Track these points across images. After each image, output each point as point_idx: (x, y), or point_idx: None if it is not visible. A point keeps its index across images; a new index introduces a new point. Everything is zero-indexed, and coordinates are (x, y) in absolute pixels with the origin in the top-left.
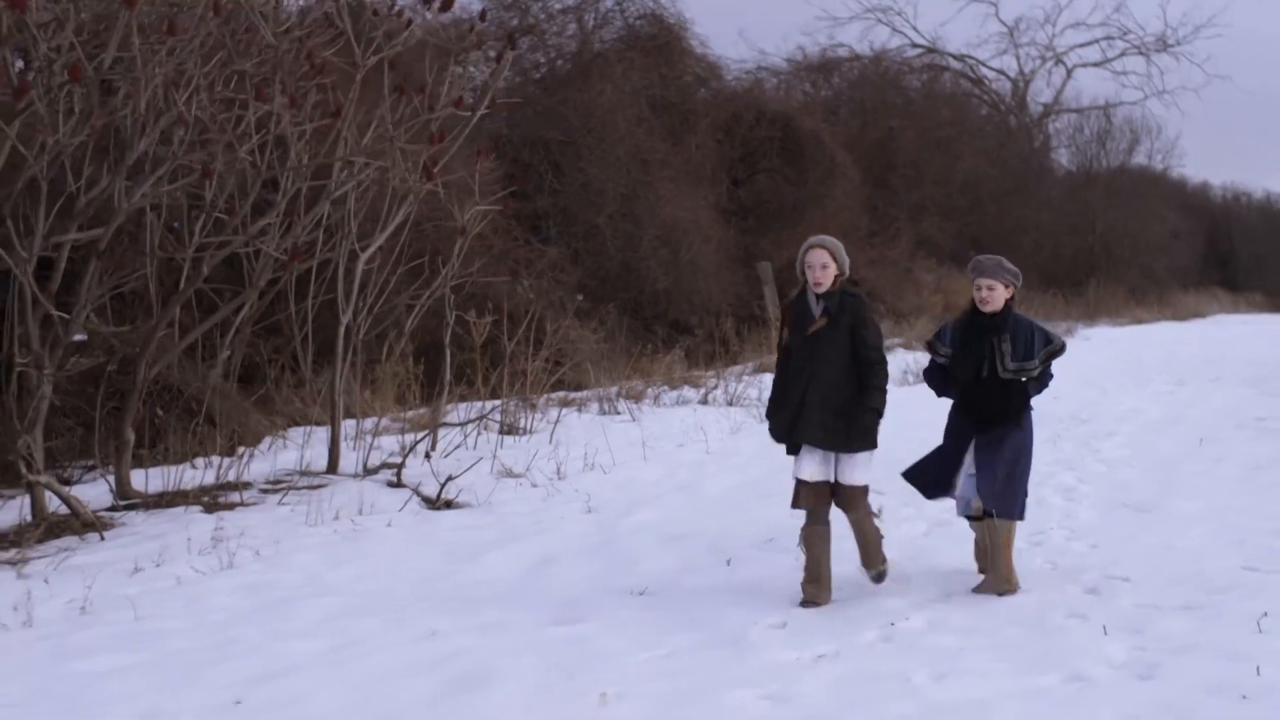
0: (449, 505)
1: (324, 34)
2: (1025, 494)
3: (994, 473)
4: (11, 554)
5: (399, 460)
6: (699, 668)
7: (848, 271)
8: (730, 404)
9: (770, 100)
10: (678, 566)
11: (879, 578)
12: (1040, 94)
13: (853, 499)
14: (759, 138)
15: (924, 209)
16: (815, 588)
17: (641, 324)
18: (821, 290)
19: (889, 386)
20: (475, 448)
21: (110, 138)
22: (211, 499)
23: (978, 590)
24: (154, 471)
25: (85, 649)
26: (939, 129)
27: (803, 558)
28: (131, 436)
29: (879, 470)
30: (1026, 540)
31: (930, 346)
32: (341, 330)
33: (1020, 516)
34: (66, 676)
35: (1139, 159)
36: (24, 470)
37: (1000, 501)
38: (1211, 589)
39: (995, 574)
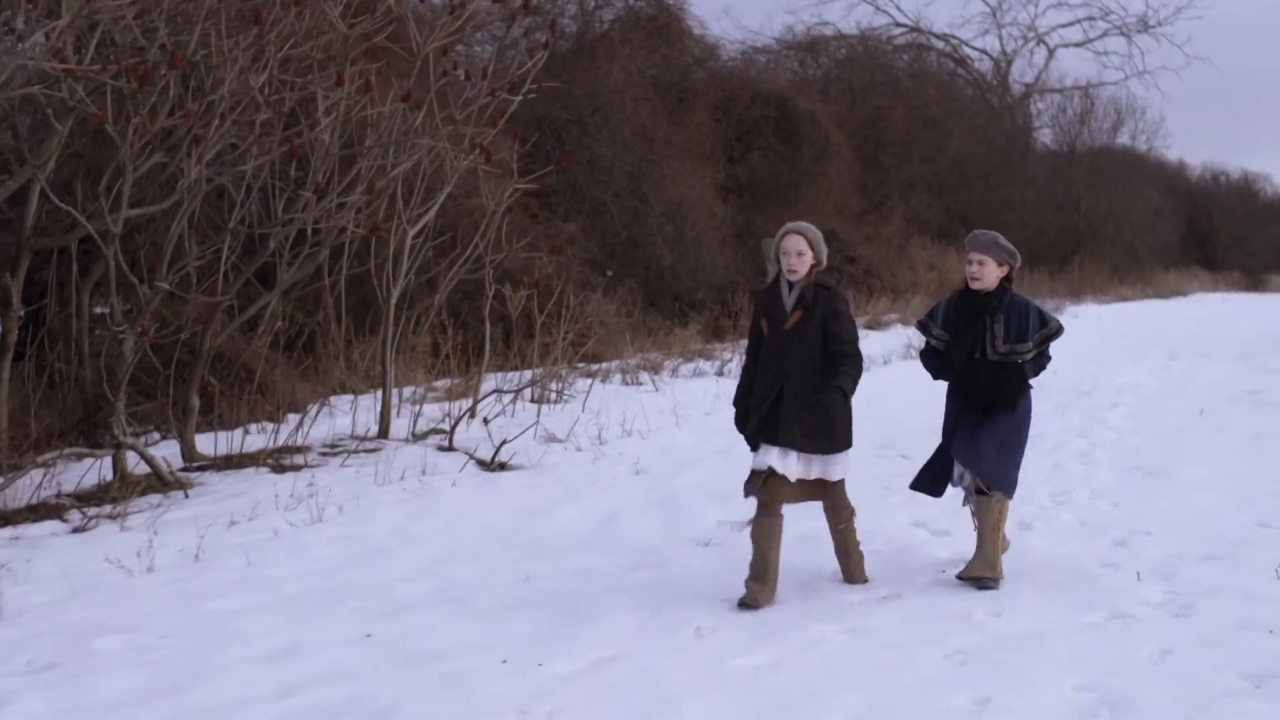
0: (503, 467)
1: (385, 20)
2: (1016, 472)
3: (982, 444)
4: (107, 509)
5: (444, 426)
6: (778, 606)
7: (824, 261)
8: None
9: (765, 80)
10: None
11: (851, 579)
12: (1023, 74)
13: (837, 497)
14: (754, 117)
15: (913, 187)
16: (759, 586)
17: (648, 299)
18: (796, 279)
19: (861, 377)
20: (513, 415)
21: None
22: (276, 461)
23: (962, 575)
24: (207, 437)
25: (210, 591)
26: (926, 108)
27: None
28: (197, 403)
29: (899, 441)
30: (1053, 499)
31: (922, 327)
32: (392, 301)
33: (1009, 494)
34: (203, 615)
35: (1123, 139)
36: (117, 433)
37: (990, 472)
38: (1229, 542)
39: (981, 558)
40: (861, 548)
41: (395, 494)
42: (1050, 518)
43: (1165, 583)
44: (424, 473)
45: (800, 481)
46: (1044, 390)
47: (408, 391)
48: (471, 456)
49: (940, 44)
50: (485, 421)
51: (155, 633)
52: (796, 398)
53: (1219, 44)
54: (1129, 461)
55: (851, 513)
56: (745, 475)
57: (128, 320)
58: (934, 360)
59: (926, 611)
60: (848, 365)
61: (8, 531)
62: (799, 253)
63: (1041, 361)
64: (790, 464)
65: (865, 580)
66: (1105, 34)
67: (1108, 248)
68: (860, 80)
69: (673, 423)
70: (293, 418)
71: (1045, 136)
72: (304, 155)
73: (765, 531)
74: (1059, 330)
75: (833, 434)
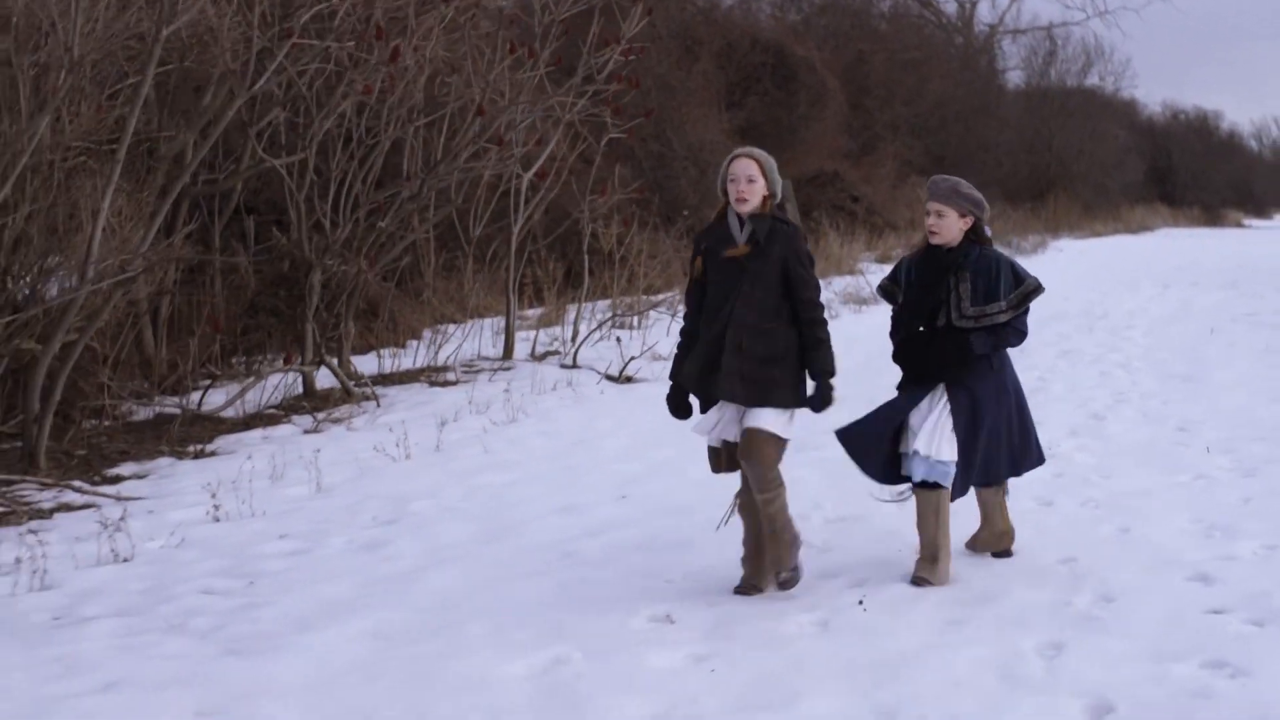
0: (629, 380)
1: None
2: (1036, 437)
3: (997, 449)
4: (321, 416)
5: (555, 349)
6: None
7: (780, 195)
8: None
9: (763, 28)
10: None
11: (786, 583)
12: (987, 16)
13: (760, 451)
14: (753, 63)
15: (896, 129)
16: (753, 567)
17: (676, 239)
18: (747, 209)
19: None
20: (609, 338)
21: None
22: (430, 379)
23: (971, 545)
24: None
25: (470, 471)
26: (905, 52)
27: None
28: (352, 329)
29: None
30: (1114, 398)
31: (886, 293)
32: (515, 236)
33: (1041, 460)
34: (479, 486)
35: (1093, 80)
36: (321, 353)
37: (980, 476)
38: (1270, 428)
39: (991, 530)
40: (796, 526)
41: (557, 400)
42: (1117, 412)
43: (1229, 455)
44: (569, 385)
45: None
46: (1064, 314)
47: (501, 321)
48: (600, 373)
49: None
50: (618, 341)
51: (451, 499)
52: (740, 346)
53: None
54: (1163, 370)
55: (780, 485)
56: (868, 376)
57: (317, 256)
58: (900, 331)
59: (1051, 468)
60: (821, 330)
61: (258, 432)
62: (749, 179)
63: (1006, 333)
64: (731, 425)
65: (794, 570)
66: None
67: (1079, 186)
68: (841, 25)
69: None
70: (410, 344)
71: (1015, 77)
72: (453, 114)
73: (752, 506)
74: (1037, 288)
75: (784, 386)
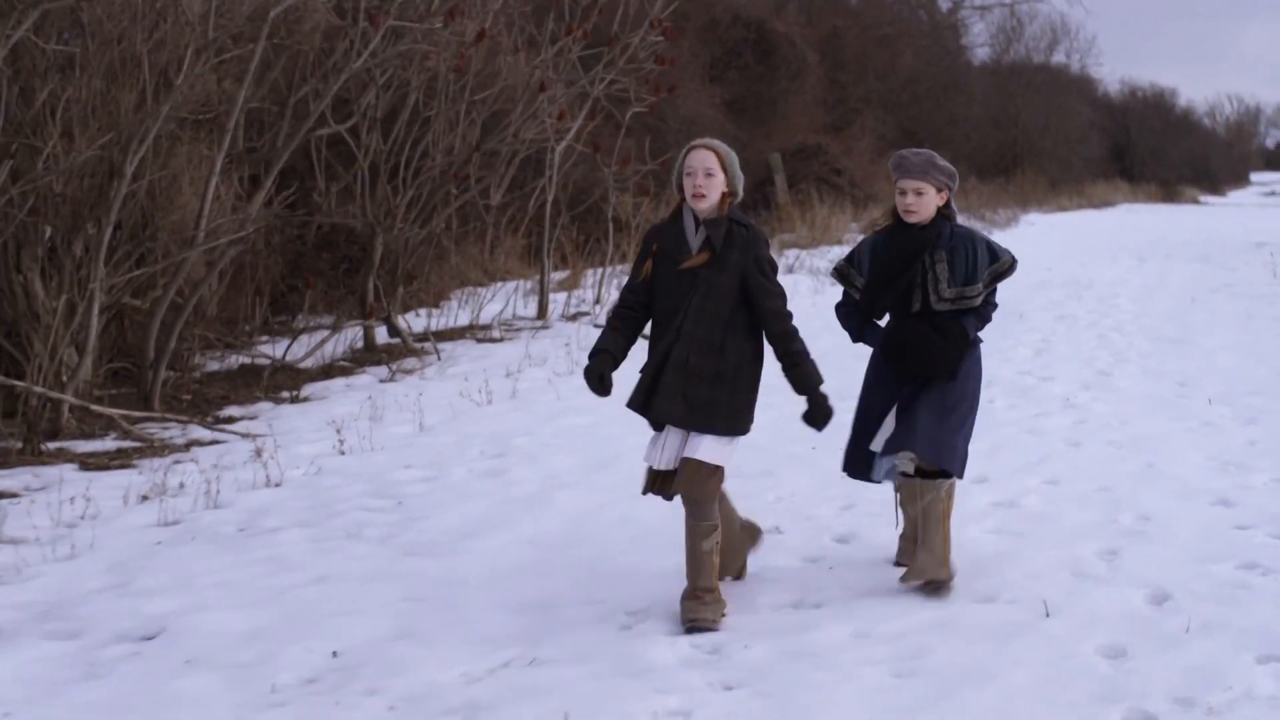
0: None
1: None
2: (967, 444)
3: (918, 418)
4: (394, 367)
5: (586, 310)
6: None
7: (740, 192)
8: (790, 271)
9: (744, 4)
10: None
11: (694, 626)
12: None
13: (700, 484)
14: (734, 38)
15: (869, 103)
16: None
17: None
18: (704, 208)
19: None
20: None
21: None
22: (473, 336)
23: (905, 579)
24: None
25: (553, 414)
26: (878, 28)
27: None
28: (401, 290)
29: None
30: (1114, 358)
31: (842, 275)
32: (549, 203)
33: (959, 473)
34: (565, 428)
35: (1059, 57)
36: (387, 309)
37: (934, 445)
38: (1262, 384)
39: (929, 554)
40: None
41: None
42: (1121, 369)
43: (1229, 405)
44: None
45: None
46: (1049, 283)
47: (526, 284)
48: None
49: None
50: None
51: (545, 437)
52: (686, 363)
53: None
54: (1155, 334)
55: (715, 527)
56: None
57: (379, 222)
58: (855, 317)
59: (1074, 417)
60: (797, 341)
61: (340, 381)
62: (708, 172)
63: (987, 310)
64: (669, 449)
65: (718, 617)
66: None
67: (1045, 161)
68: (815, 2)
69: None
70: (442, 305)
71: (981, 54)
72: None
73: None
74: (1011, 265)
75: (730, 411)
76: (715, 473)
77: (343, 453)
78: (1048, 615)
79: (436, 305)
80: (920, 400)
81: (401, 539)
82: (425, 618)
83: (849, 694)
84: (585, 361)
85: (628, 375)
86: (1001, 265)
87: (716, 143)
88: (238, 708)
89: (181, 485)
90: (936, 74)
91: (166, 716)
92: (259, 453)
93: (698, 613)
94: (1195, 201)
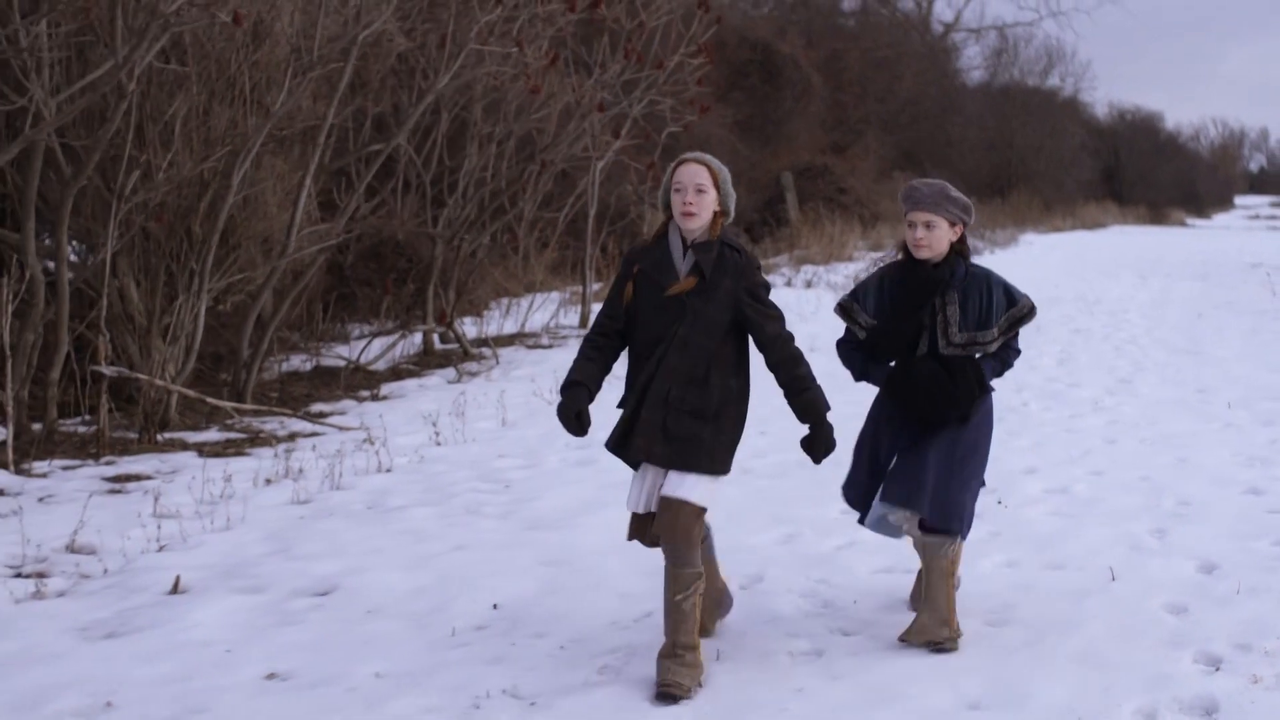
0: None
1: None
2: (974, 502)
3: (924, 472)
4: (458, 370)
5: None
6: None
7: (732, 211)
8: (809, 286)
9: (750, 26)
10: None
11: (666, 691)
12: (943, 15)
13: (682, 527)
14: (741, 59)
15: (870, 124)
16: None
17: None
18: (694, 228)
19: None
20: None
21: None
22: (521, 343)
23: (906, 637)
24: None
25: None
26: (878, 50)
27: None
28: (454, 298)
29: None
30: (1134, 368)
31: (845, 311)
32: (591, 215)
33: (963, 533)
34: None
35: (1053, 81)
36: (439, 317)
37: (940, 508)
38: (1278, 392)
39: (932, 613)
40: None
41: None
42: (1141, 377)
43: (1247, 409)
44: None
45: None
46: (1060, 299)
47: (562, 294)
48: None
49: None
50: None
51: None
52: (667, 397)
53: None
54: (1168, 346)
55: (698, 575)
56: None
57: (441, 235)
58: (858, 356)
59: (1100, 416)
60: (803, 365)
61: (412, 381)
62: (699, 188)
63: (1008, 356)
64: (647, 490)
65: (694, 684)
66: None
67: (1040, 183)
68: (815, 23)
69: (797, 317)
70: (484, 314)
71: (978, 76)
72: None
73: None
74: (1031, 311)
75: (713, 449)
76: (697, 514)
77: (439, 444)
78: (1114, 579)
79: (479, 314)
80: (929, 452)
81: (519, 515)
82: (564, 579)
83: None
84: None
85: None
86: (1020, 310)
87: (708, 157)
88: (429, 646)
89: (301, 470)
90: (935, 96)
91: (365, 652)
92: (371, 441)
93: (673, 675)
94: (1182, 224)
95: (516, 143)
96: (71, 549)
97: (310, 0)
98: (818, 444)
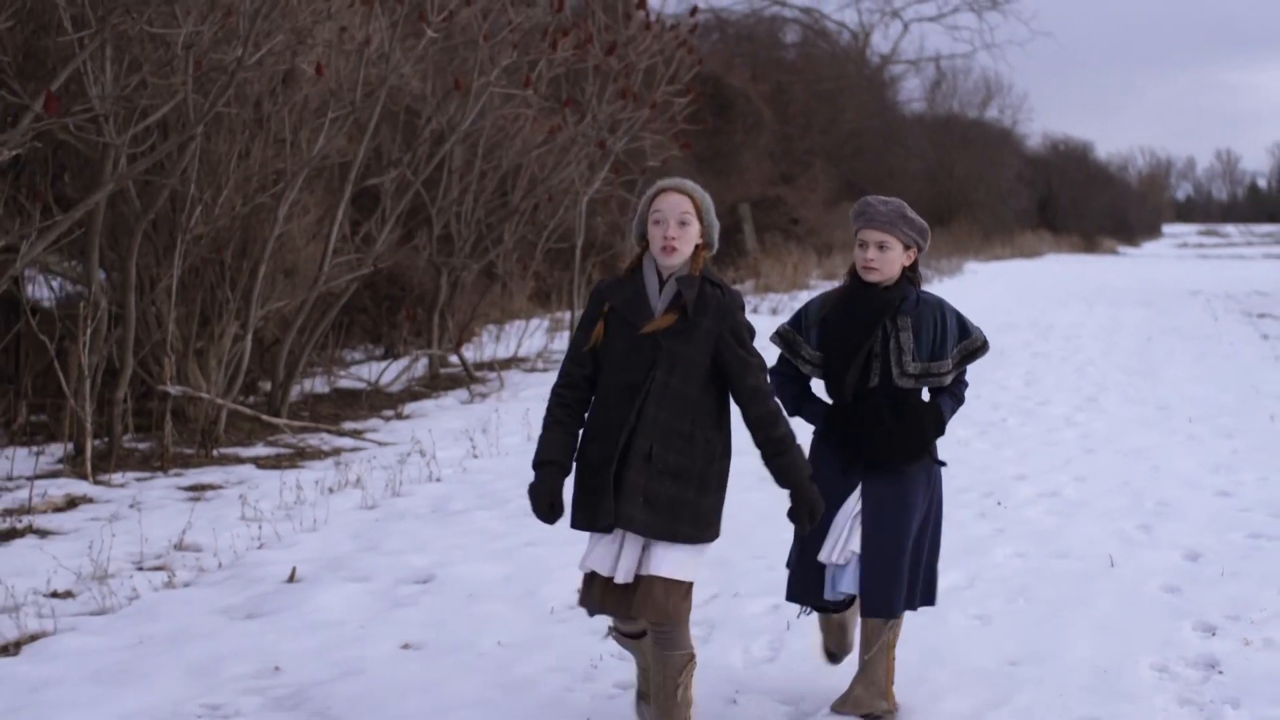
0: None
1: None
2: (931, 576)
3: (869, 554)
4: (470, 390)
5: None
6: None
7: (715, 243)
8: (774, 313)
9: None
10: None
11: None
12: (880, 46)
13: (668, 606)
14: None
15: (815, 155)
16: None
17: None
18: (674, 264)
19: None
20: None
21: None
22: (517, 366)
23: (838, 708)
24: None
25: None
26: (821, 83)
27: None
28: (467, 321)
29: None
30: (1097, 388)
31: (786, 342)
32: (579, 246)
33: (911, 608)
34: None
35: (991, 113)
36: (455, 342)
37: (885, 599)
38: (1233, 405)
39: (868, 685)
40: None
41: None
42: (1105, 396)
43: (1206, 425)
44: None
45: (628, 587)
46: (1015, 325)
47: (543, 321)
48: None
49: (803, 16)
50: None
51: None
52: (649, 455)
53: (1061, 20)
54: (1125, 368)
55: (690, 658)
56: None
57: (445, 262)
58: (791, 389)
59: (1077, 428)
60: (782, 425)
61: (429, 402)
62: (682, 220)
63: (960, 391)
64: (619, 557)
65: None
66: (957, 9)
67: (979, 212)
68: (759, 55)
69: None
70: (474, 340)
71: (916, 108)
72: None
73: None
74: (984, 344)
75: (697, 514)
76: (685, 592)
77: (476, 456)
78: (1113, 565)
79: (469, 340)
80: (871, 528)
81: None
82: None
83: (971, 621)
84: None
85: None
86: (974, 343)
87: (691, 185)
88: (535, 621)
89: (359, 480)
90: (876, 128)
91: (482, 627)
92: (422, 453)
93: None
94: (1114, 252)
95: (511, 177)
96: (179, 547)
97: (341, 48)
98: (802, 510)
